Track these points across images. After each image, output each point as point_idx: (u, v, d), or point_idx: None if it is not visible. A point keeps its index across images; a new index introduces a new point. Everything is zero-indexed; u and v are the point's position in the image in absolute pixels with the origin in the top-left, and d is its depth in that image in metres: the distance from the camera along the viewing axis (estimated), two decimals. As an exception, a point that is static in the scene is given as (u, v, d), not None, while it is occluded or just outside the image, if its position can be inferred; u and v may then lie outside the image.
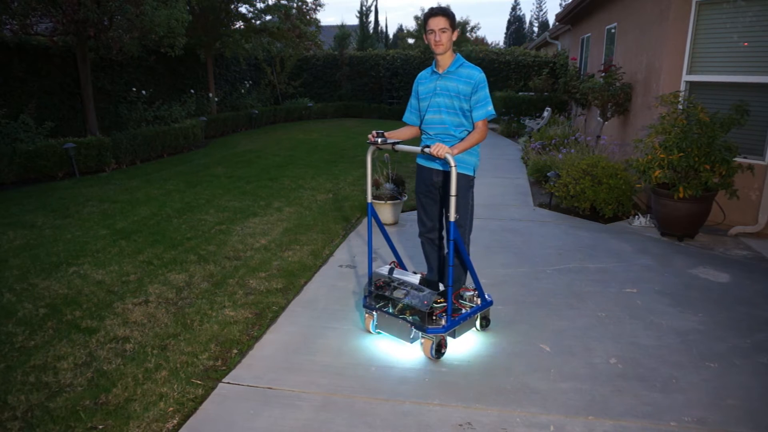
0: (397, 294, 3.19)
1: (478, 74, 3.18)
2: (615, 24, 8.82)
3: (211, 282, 4.24)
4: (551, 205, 6.54)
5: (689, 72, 5.95)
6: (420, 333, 3.09)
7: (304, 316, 3.69)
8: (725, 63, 5.66)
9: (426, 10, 3.16)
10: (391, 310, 3.22)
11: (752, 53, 5.42)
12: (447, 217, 3.05)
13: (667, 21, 6.03)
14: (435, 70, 3.30)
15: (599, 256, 4.81)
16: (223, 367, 3.04)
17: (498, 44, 40.00)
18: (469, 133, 3.23)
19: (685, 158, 5.01)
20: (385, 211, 5.75)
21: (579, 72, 12.14)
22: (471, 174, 3.35)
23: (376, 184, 5.87)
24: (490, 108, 3.20)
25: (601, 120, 8.25)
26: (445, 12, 3.13)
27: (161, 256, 4.81)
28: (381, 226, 3.56)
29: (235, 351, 3.22)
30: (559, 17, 13.29)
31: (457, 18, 3.66)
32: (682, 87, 5.95)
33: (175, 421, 2.58)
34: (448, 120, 3.25)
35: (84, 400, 2.73)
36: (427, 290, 3.11)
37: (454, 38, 3.19)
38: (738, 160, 5.21)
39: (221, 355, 3.17)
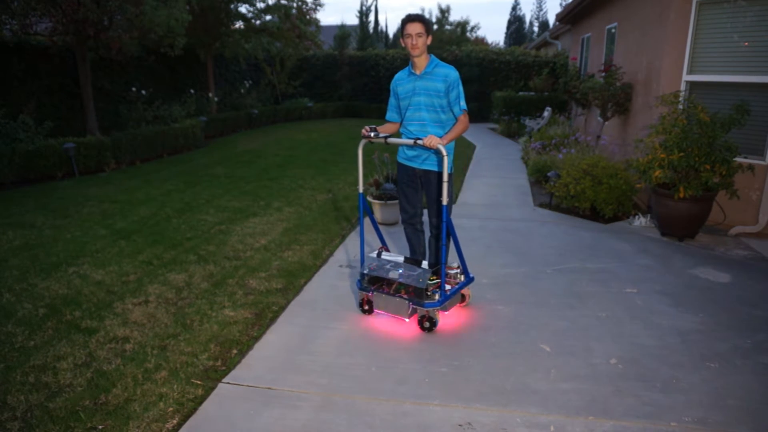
0: (392, 275, 3.49)
1: (453, 73, 3.47)
2: (615, 24, 8.81)
3: (211, 282, 4.24)
4: (551, 205, 6.53)
5: (690, 72, 5.94)
6: (417, 308, 3.38)
7: (304, 316, 3.69)
8: (726, 63, 5.65)
9: (404, 16, 3.50)
10: (386, 290, 3.48)
11: (753, 53, 5.42)
12: (439, 202, 3.42)
13: (668, 21, 6.03)
14: (412, 71, 3.57)
15: (599, 256, 4.81)
16: (223, 368, 3.04)
17: (498, 44, 39.91)
18: (452, 125, 3.53)
19: (685, 158, 5.01)
20: (385, 211, 5.74)
21: (579, 72, 12.13)
22: (449, 172, 3.66)
23: (375, 185, 5.87)
24: (464, 102, 3.53)
25: (602, 120, 8.24)
26: (421, 18, 3.42)
27: (161, 256, 4.81)
28: (371, 215, 3.95)
29: (235, 351, 3.22)
30: (560, 17, 13.28)
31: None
32: (683, 87, 5.95)
33: (174, 422, 2.58)
34: (427, 117, 3.55)
35: (84, 401, 2.72)
36: (420, 269, 3.47)
37: (429, 42, 3.47)
38: (738, 160, 5.21)
39: (221, 355, 3.17)
